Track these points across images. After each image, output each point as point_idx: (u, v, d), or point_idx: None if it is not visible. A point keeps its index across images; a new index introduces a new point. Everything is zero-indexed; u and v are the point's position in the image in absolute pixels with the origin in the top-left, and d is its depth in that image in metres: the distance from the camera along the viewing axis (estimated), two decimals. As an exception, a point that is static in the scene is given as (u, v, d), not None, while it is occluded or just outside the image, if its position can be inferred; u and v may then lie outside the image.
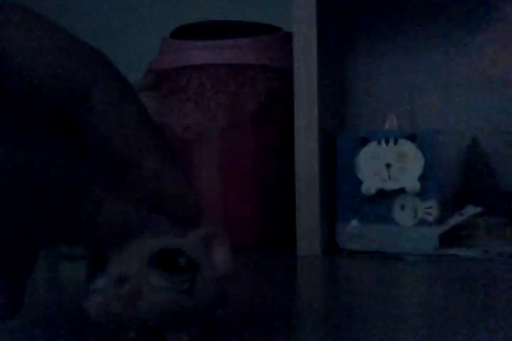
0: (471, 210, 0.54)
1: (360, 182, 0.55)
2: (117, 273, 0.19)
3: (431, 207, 0.54)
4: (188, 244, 0.21)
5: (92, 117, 0.20)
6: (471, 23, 0.69)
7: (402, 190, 0.54)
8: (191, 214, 0.22)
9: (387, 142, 0.55)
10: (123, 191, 0.20)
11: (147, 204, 0.21)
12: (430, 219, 0.54)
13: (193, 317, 0.21)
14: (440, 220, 0.54)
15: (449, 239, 0.55)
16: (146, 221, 0.20)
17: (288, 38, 0.61)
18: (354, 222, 0.56)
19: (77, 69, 0.19)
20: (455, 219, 0.54)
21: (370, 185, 0.55)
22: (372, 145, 0.56)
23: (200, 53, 0.62)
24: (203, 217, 0.22)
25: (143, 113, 0.21)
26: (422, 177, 0.54)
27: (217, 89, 0.61)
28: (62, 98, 0.19)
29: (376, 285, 0.37)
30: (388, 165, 0.55)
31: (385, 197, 0.55)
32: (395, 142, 0.55)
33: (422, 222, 0.54)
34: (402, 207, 0.55)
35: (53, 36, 0.20)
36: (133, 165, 0.21)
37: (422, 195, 0.54)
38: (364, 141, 0.56)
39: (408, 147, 0.54)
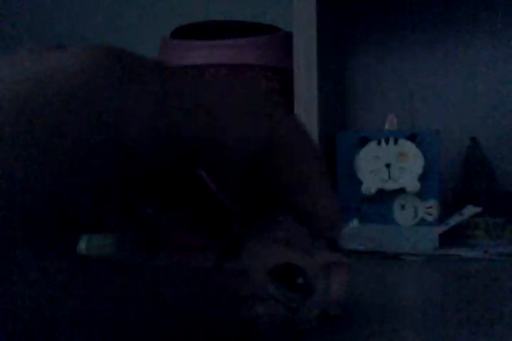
0: (471, 210, 0.54)
1: (360, 182, 0.55)
2: (246, 268, 0.20)
3: (431, 207, 0.54)
4: (312, 266, 0.22)
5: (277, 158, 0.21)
6: (471, 24, 0.69)
7: (402, 190, 0.54)
8: (326, 227, 0.22)
9: (387, 142, 0.55)
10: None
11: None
12: (430, 219, 0.54)
13: (286, 331, 0.22)
14: (440, 220, 0.54)
15: (449, 239, 0.55)
16: (281, 229, 0.22)
17: (288, 38, 0.61)
18: (354, 222, 0.56)
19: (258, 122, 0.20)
20: (455, 219, 0.54)
21: (370, 185, 0.55)
22: (372, 145, 0.56)
23: (200, 53, 0.62)
24: (334, 229, 0.22)
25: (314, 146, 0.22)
26: (422, 177, 0.54)
27: (217, 89, 0.61)
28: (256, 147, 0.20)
29: (376, 285, 0.37)
30: (388, 165, 0.55)
31: (385, 197, 0.55)
32: (395, 142, 0.55)
33: (422, 222, 0.54)
34: (402, 207, 0.55)
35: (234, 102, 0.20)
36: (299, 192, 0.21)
37: (422, 195, 0.54)
38: (364, 141, 0.56)
39: (408, 147, 0.54)
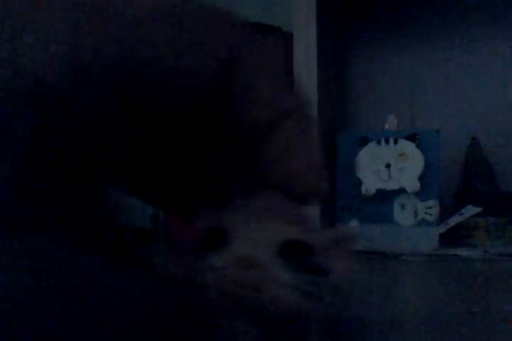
0: (471, 210, 0.54)
1: (360, 182, 0.55)
2: (243, 254, 0.16)
3: (431, 207, 0.54)
4: (320, 242, 0.17)
5: (236, 87, 0.17)
6: (471, 23, 0.69)
7: (402, 190, 0.54)
8: (309, 193, 0.18)
9: (387, 142, 0.55)
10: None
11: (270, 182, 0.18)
12: (430, 219, 0.54)
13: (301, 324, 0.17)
14: (440, 220, 0.54)
15: (449, 239, 0.55)
16: (272, 205, 0.17)
17: (288, 38, 0.61)
18: (354, 222, 0.56)
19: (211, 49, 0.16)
20: (455, 219, 0.54)
21: (370, 185, 0.55)
22: (372, 145, 0.56)
23: (200, 53, 0.62)
24: (319, 196, 0.18)
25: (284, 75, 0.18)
26: (422, 177, 0.54)
27: (217, 89, 0.61)
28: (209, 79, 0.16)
29: (376, 285, 0.37)
30: (388, 165, 0.55)
31: (385, 197, 0.55)
32: (395, 142, 0.55)
33: (422, 222, 0.54)
34: (402, 207, 0.55)
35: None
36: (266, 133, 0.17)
37: (422, 195, 0.54)
38: (364, 141, 0.56)
39: (408, 147, 0.54)
